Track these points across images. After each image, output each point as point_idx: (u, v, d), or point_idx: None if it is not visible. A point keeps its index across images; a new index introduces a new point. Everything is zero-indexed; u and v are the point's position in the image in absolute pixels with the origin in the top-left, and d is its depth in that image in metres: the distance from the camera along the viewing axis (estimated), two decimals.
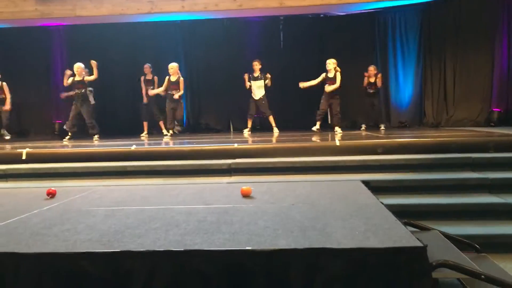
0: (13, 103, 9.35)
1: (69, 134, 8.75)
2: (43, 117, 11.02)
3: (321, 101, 8.67)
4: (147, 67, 9.67)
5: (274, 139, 7.60)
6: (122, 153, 6.13)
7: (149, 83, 9.63)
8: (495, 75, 9.06)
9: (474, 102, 9.25)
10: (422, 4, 9.53)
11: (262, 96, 9.21)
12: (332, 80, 8.49)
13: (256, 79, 9.24)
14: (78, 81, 8.64)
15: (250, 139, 7.69)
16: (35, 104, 10.89)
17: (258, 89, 9.22)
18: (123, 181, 5.40)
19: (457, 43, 9.37)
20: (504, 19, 8.82)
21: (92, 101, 9.25)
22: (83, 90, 8.66)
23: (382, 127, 9.35)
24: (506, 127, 8.27)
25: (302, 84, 8.66)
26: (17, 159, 6.03)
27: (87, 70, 8.78)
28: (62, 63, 10.96)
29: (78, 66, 8.69)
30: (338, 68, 8.50)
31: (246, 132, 9.31)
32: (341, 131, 8.46)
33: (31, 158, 6.06)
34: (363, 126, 9.51)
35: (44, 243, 2.25)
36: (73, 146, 7.10)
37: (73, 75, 8.67)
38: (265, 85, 9.17)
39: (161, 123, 9.60)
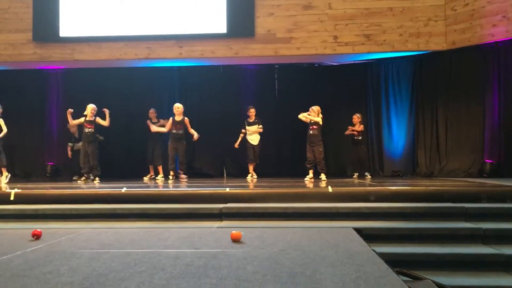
0: (5, 143, 9.17)
1: (86, 175, 8.89)
2: (35, 158, 10.93)
3: (307, 149, 8.68)
4: (152, 111, 9.78)
5: (266, 184, 7.55)
6: (112, 195, 6.07)
7: (155, 125, 9.77)
8: (487, 127, 9.08)
9: (466, 153, 9.26)
10: (413, 57, 9.75)
11: (259, 141, 9.38)
12: (315, 125, 8.53)
13: (251, 124, 9.39)
14: (89, 121, 8.77)
15: (243, 184, 7.64)
16: (28, 145, 10.82)
17: (254, 135, 9.39)
18: (112, 224, 5.30)
19: (449, 94, 9.49)
20: (494, 71, 8.94)
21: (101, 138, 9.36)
22: (92, 130, 8.77)
23: (368, 175, 9.43)
24: (498, 178, 8.28)
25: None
26: (5, 199, 5.92)
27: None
28: (58, 105, 11.01)
29: (92, 107, 8.82)
30: (320, 115, 8.57)
31: (250, 178, 9.33)
32: (325, 178, 8.36)
33: (20, 199, 5.96)
34: (355, 175, 9.50)
35: (23, 285, 2.17)
36: (62, 188, 7.01)
37: (85, 116, 8.82)
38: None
39: (160, 168, 9.58)
